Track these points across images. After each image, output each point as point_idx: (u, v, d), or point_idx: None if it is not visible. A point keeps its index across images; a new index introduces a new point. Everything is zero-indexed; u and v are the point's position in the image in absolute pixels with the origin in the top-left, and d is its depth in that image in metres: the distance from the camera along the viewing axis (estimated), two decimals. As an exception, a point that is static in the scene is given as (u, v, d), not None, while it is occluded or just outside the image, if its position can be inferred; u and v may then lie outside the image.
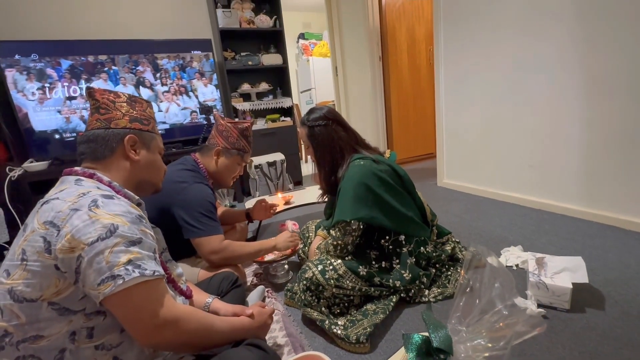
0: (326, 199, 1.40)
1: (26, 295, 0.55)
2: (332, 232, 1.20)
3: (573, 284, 1.02)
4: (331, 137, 1.20)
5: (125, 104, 0.75)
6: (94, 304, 0.58)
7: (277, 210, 1.66)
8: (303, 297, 1.09)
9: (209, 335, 0.67)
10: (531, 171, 1.93)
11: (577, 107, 1.64)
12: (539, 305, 1.03)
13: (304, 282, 1.08)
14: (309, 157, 1.34)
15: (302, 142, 1.28)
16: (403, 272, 1.15)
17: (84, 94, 0.72)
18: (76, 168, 0.68)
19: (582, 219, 1.69)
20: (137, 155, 0.74)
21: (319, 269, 1.08)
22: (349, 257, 1.14)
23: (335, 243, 1.15)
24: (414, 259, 1.17)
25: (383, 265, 1.17)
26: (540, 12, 1.71)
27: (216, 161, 1.31)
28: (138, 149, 0.75)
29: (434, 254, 1.20)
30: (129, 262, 0.57)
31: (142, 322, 0.58)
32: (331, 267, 1.09)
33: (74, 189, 0.62)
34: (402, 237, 1.17)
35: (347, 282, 1.08)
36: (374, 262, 1.17)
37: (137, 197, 0.73)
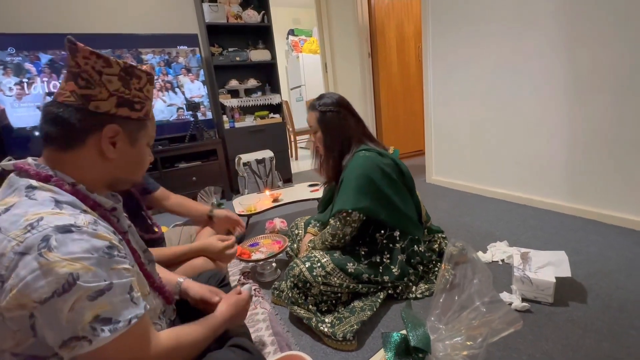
0: (324, 187, 1.38)
1: None
2: (331, 221, 1.18)
3: (556, 278, 1.03)
4: (342, 124, 1.20)
5: (116, 79, 0.56)
6: None
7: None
8: (290, 295, 1.08)
9: (197, 350, 0.64)
10: (518, 167, 1.95)
11: (563, 105, 1.67)
12: (524, 300, 1.05)
13: (292, 279, 1.07)
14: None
15: (310, 127, 1.24)
16: (392, 267, 1.15)
17: (64, 46, 0.54)
18: (29, 163, 0.53)
19: (566, 214, 1.72)
20: (114, 153, 0.57)
21: (307, 265, 1.07)
22: (337, 254, 1.14)
23: (334, 233, 1.15)
24: (406, 256, 1.17)
25: (373, 260, 1.17)
26: (527, 9, 1.72)
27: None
28: (118, 143, 0.58)
29: (427, 254, 1.21)
30: (96, 318, 0.46)
31: None
32: (319, 264, 1.08)
33: (22, 206, 0.48)
34: (397, 233, 1.18)
35: (335, 279, 1.08)
36: (363, 259, 1.17)
37: (110, 202, 0.61)
